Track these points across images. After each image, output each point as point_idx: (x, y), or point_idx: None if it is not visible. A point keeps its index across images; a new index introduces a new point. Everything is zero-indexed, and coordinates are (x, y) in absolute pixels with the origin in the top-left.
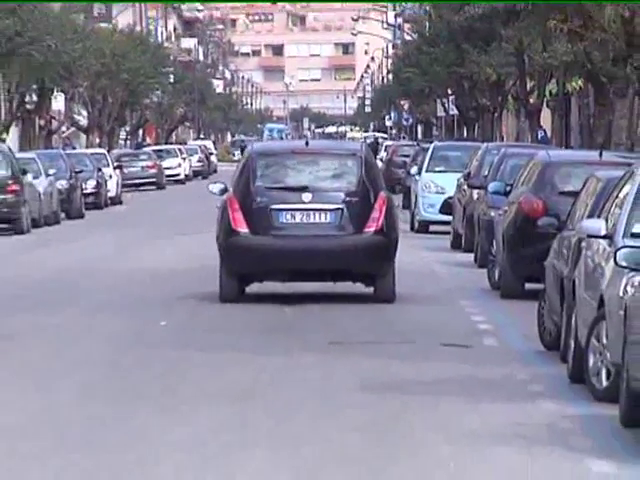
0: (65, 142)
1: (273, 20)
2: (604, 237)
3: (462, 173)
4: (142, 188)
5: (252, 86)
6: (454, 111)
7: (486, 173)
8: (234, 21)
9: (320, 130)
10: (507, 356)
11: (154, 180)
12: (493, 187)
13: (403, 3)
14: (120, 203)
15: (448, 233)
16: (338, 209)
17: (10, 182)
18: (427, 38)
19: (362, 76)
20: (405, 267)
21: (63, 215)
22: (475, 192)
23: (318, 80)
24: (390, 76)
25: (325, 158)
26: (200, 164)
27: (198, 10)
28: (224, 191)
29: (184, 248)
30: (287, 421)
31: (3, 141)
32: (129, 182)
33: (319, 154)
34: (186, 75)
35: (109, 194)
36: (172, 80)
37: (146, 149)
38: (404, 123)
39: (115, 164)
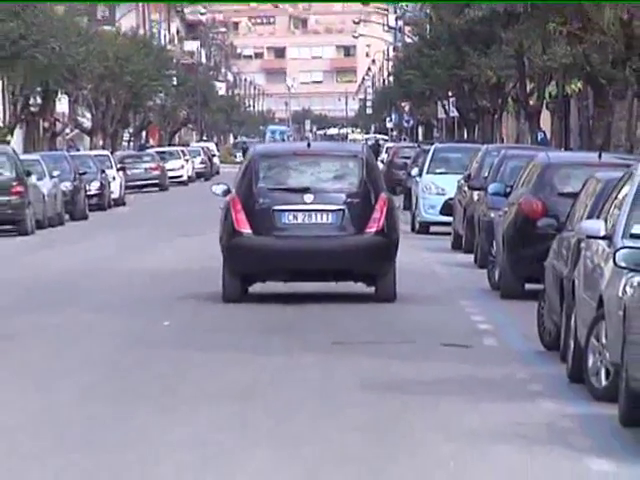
0: (69, 144)
1: (275, 23)
2: (603, 238)
3: (462, 175)
4: (145, 189)
5: (254, 88)
6: (454, 113)
7: (486, 174)
8: (236, 24)
9: (322, 132)
10: (507, 356)
11: (157, 182)
12: (493, 188)
13: (404, 4)
14: (123, 204)
15: (448, 234)
16: (339, 210)
17: (14, 184)
18: (428, 41)
19: (363, 78)
20: (406, 267)
21: (67, 216)
22: (475, 193)
23: (320, 82)
24: (391, 78)
25: (327, 160)
26: (203, 166)
27: (201, 13)
28: (227, 192)
29: (187, 249)
30: (287, 421)
31: (8, 143)
32: (132, 184)
33: (321, 156)
34: (189, 77)
35: (112, 195)
36: (175, 82)
37: (149, 151)
38: (405, 125)
39: (118, 166)
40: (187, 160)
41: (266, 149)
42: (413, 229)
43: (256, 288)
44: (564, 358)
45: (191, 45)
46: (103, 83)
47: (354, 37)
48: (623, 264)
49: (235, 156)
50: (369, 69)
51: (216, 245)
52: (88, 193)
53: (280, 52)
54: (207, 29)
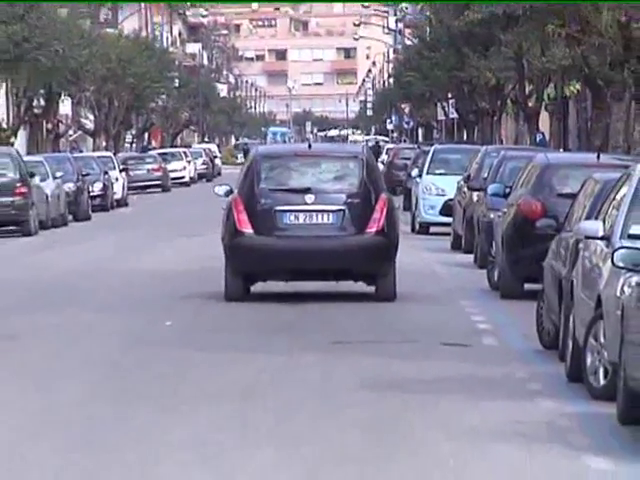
0: (72, 145)
1: (276, 25)
2: (601, 238)
3: (462, 175)
4: (148, 190)
5: (256, 90)
6: (454, 114)
7: (485, 175)
8: (238, 26)
9: (322, 133)
10: (506, 355)
11: (159, 183)
12: (492, 189)
13: (404, 4)
14: (126, 205)
15: (448, 234)
16: (340, 210)
17: (18, 185)
18: (427, 43)
19: (364, 80)
20: (406, 268)
21: (70, 217)
22: (475, 194)
23: (321, 84)
24: (391, 80)
25: (327, 160)
26: (204, 167)
27: (203, 16)
28: (229, 193)
29: (188, 249)
30: (288, 420)
31: (11, 144)
32: (135, 185)
33: (322, 157)
34: (191, 79)
35: (115, 196)
36: (177, 84)
37: (152, 152)
38: (405, 126)
39: (121, 167)
40: (189, 161)
41: (268, 150)
42: (413, 229)
43: (257, 287)
44: (563, 357)
45: (193, 47)
46: (106, 85)
47: (354, 39)
48: (621, 264)
49: (236, 157)
50: (369, 71)
51: (218, 245)
52: (91, 194)
53: (281, 54)
54: (209, 31)
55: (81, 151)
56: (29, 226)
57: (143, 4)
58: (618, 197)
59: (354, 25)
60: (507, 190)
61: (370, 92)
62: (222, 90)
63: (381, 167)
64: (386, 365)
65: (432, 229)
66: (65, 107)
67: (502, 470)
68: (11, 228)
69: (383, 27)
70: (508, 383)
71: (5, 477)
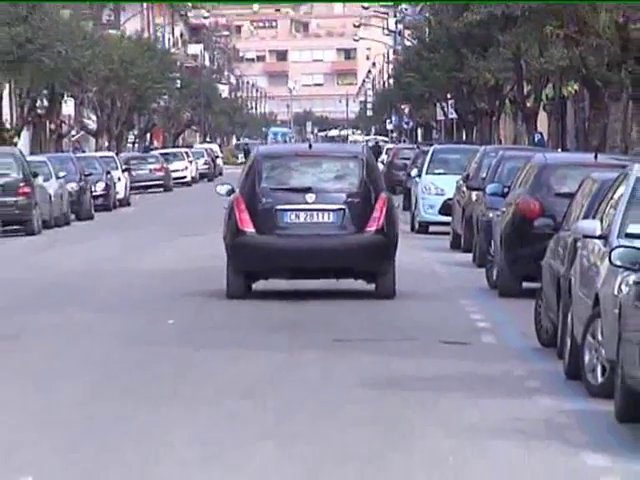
0: (75, 146)
1: (277, 26)
2: (599, 237)
3: (461, 175)
4: (150, 190)
5: (257, 91)
6: (453, 115)
7: (484, 175)
8: (239, 27)
9: (323, 133)
10: (505, 353)
11: (161, 182)
12: (491, 189)
13: (403, 5)
14: (128, 205)
15: (447, 234)
16: (340, 209)
17: (22, 185)
18: (427, 44)
19: (364, 81)
20: (406, 267)
21: (73, 216)
22: (474, 194)
23: (321, 85)
24: (391, 81)
25: (328, 160)
26: (206, 167)
27: (204, 17)
28: (231, 192)
29: (190, 248)
30: (288, 418)
31: (15, 145)
32: (137, 184)
33: (322, 156)
34: (192, 80)
35: (118, 196)
36: (179, 85)
37: (154, 152)
38: (405, 126)
39: (124, 167)
40: (191, 161)
41: (269, 150)
42: (413, 229)
43: (259, 285)
44: (561, 355)
45: (194, 48)
46: (108, 86)
47: (355, 40)
48: (618, 263)
49: (237, 157)
50: (369, 72)
51: (219, 244)
52: (94, 194)
53: (282, 55)
54: (210, 33)
55: (84, 151)
56: (32, 225)
57: (145, 5)
58: (615, 196)
59: (354, 26)
60: (506, 190)
61: (370, 93)
62: (223, 91)
63: (381, 167)
64: (386, 363)
65: (431, 228)
66: (68, 107)
67: (501, 466)
68: (14, 227)
69: (383, 28)
70: (507, 381)
71: (5, 477)
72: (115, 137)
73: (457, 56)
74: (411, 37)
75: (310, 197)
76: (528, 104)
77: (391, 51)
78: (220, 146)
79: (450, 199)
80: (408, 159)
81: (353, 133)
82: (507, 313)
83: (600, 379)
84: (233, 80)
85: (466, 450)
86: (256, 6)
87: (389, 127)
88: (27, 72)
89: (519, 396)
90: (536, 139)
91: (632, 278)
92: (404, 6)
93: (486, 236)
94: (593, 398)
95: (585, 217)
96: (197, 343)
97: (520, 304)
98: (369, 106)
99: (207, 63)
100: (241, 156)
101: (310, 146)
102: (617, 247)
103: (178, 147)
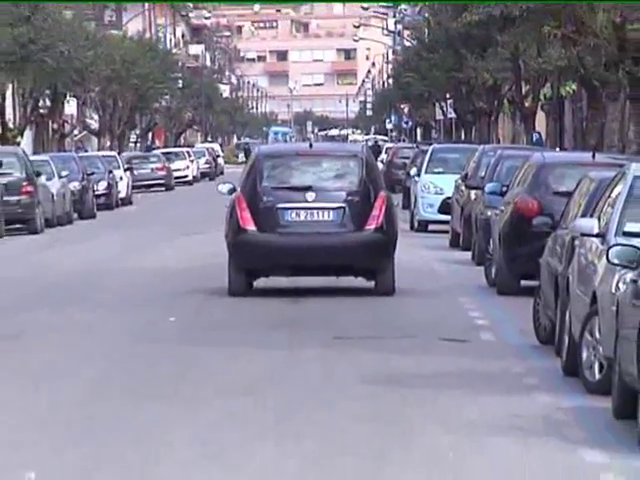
0: (77, 145)
1: (277, 27)
2: (597, 235)
3: (460, 174)
4: (151, 189)
5: (257, 91)
6: (452, 114)
7: (483, 174)
8: (240, 28)
9: (323, 133)
10: (504, 350)
11: (163, 181)
12: (490, 188)
13: (403, 5)
14: (130, 204)
15: (447, 232)
16: (340, 208)
17: (24, 184)
18: (426, 44)
19: (363, 81)
20: (405, 265)
21: (75, 215)
22: (472, 192)
23: (321, 85)
24: (390, 81)
25: (328, 159)
26: (207, 166)
27: (205, 17)
28: (232, 191)
29: (192, 247)
30: (288, 415)
31: (18, 144)
32: (139, 183)
33: (322, 156)
34: (194, 80)
35: (120, 195)
36: (180, 85)
37: (155, 152)
38: (404, 126)
39: (125, 166)
40: (192, 160)
41: (270, 149)
42: (412, 227)
43: (260, 283)
44: (559, 352)
45: (196, 49)
46: (110, 86)
47: (354, 41)
48: (616, 261)
49: (238, 156)
50: (369, 72)
51: (220, 243)
52: (96, 193)
53: (282, 55)
54: (211, 33)
55: (86, 150)
56: (35, 224)
57: (147, 6)
58: (613, 195)
59: (354, 27)
60: (504, 188)
61: (370, 92)
62: (224, 91)
63: (380, 166)
64: (385, 360)
65: (431, 227)
66: (70, 107)
67: (499, 462)
68: (18, 226)
69: (382, 29)
70: (505, 378)
71: (5, 477)
72: (117, 137)
73: (456, 56)
74: (410, 37)
75: (310, 196)
76: (526, 104)
77: (390, 51)
78: (221, 145)
79: (449, 198)
80: (407, 158)
81: (353, 132)
82: (506, 311)
83: (598, 376)
84: (234, 80)
85: (465, 447)
86: (257, 7)
87: (388, 127)
88: (30, 72)
89: (517, 393)
90: (534, 138)
91: (629, 276)
92: (403, 7)
93: (485, 234)
94: (591, 395)
95: (583, 216)
96: (198, 341)
97: (518, 302)
98: (369, 106)
99: (208, 63)
100: (241, 155)
101: (311, 145)
102: (614, 245)
103: (180, 146)
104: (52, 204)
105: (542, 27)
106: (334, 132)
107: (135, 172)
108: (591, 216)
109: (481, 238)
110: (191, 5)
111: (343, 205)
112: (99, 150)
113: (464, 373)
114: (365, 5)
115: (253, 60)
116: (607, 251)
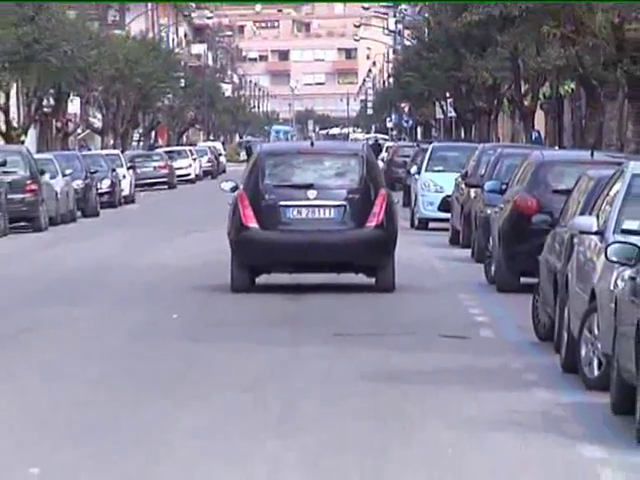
0: (81, 144)
1: (279, 27)
2: (595, 233)
3: (460, 172)
4: (154, 187)
5: (259, 90)
6: (452, 113)
7: (483, 172)
8: (242, 28)
9: (324, 132)
10: (503, 347)
11: (166, 180)
12: (489, 186)
13: (403, 5)
14: (133, 202)
15: (447, 230)
16: (341, 205)
17: (29, 182)
18: (426, 44)
19: (364, 80)
20: (405, 262)
21: (79, 213)
22: (472, 191)
23: (322, 84)
24: (391, 80)
25: (329, 158)
26: (210, 164)
27: (208, 17)
28: (235, 189)
29: (195, 244)
30: (290, 411)
31: (22, 143)
32: (142, 182)
33: (323, 154)
34: (196, 79)
35: (123, 193)
36: (183, 84)
37: (158, 150)
38: (404, 125)
39: (128, 165)
40: (195, 159)
41: (272, 148)
42: (412, 225)
43: (262, 279)
44: (558, 349)
45: (198, 48)
46: (113, 85)
47: (355, 40)
48: (614, 258)
49: (239, 155)
50: (370, 71)
51: (223, 240)
52: (99, 191)
53: (284, 55)
54: (214, 33)
55: (89, 149)
56: (39, 222)
57: (149, 6)
58: (611, 193)
59: (355, 26)
60: (503, 187)
61: (370, 91)
62: (226, 90)
63: (381, 164)
64: (386, 357)
65: (431, 225)
66: (74, 106)
67: (499, 458)
68: (22, 224)
69: (383, 28)
70: (505, 374)
71: (5, 477)
72: (120, 135)
73: (456, 56)
74: (411, 37)
75: (312, 193)
76: (525, 103)
77: (391, 51)
78: (223, 144)
79: (449, 196)
80: (408, 157)
81: (354, 131)
82: (505, 307)
83: (596, 372)
84: (236, 79)
85: (465, 442)
86: (259, 7)
87: (389, 125)
88: (34, 71)
89: (517, 389)
90: (533, 137)
91: (627, 273)
92: (404, 6)
93: (484, 232)
94: (589, 391)
95: (582, 213)
96: (201, 337)
97: (518, 299)
98: (369, 105)
99: (210, 63)
100: (243, 154)
101: (312, 144)
102: (613, 243)
103: (182, 145)
104: (56, 202)
105: (541, 27)
106: (335, 131)
107: (138, 170)
108: (590, 214)
109: (481, 236)
110: (193, 5)
111: (344, 203)
112: (102, 149)
113: (464, 369)
114: (366, 5)
115: (255, 59)
116: (605, 248)
